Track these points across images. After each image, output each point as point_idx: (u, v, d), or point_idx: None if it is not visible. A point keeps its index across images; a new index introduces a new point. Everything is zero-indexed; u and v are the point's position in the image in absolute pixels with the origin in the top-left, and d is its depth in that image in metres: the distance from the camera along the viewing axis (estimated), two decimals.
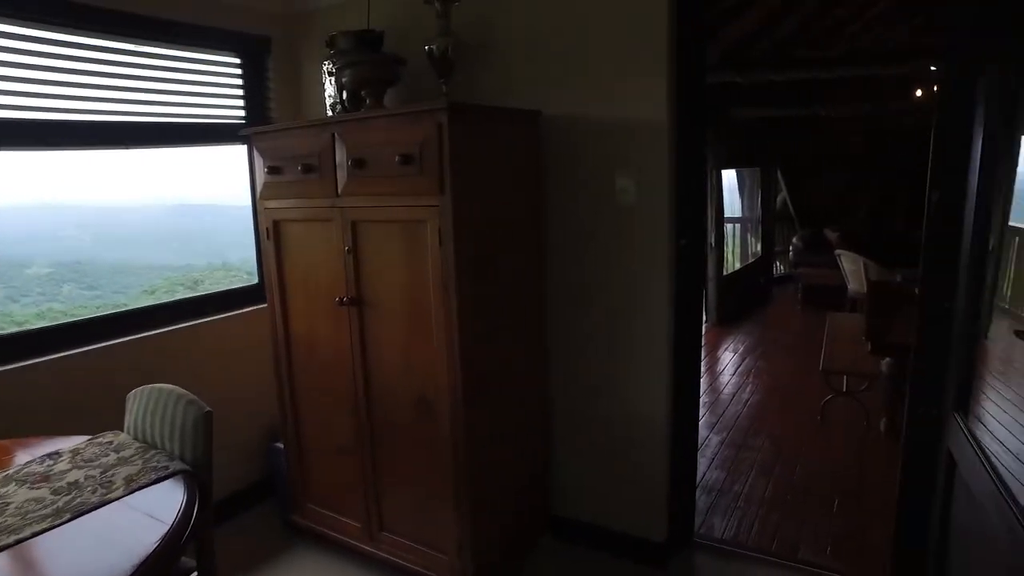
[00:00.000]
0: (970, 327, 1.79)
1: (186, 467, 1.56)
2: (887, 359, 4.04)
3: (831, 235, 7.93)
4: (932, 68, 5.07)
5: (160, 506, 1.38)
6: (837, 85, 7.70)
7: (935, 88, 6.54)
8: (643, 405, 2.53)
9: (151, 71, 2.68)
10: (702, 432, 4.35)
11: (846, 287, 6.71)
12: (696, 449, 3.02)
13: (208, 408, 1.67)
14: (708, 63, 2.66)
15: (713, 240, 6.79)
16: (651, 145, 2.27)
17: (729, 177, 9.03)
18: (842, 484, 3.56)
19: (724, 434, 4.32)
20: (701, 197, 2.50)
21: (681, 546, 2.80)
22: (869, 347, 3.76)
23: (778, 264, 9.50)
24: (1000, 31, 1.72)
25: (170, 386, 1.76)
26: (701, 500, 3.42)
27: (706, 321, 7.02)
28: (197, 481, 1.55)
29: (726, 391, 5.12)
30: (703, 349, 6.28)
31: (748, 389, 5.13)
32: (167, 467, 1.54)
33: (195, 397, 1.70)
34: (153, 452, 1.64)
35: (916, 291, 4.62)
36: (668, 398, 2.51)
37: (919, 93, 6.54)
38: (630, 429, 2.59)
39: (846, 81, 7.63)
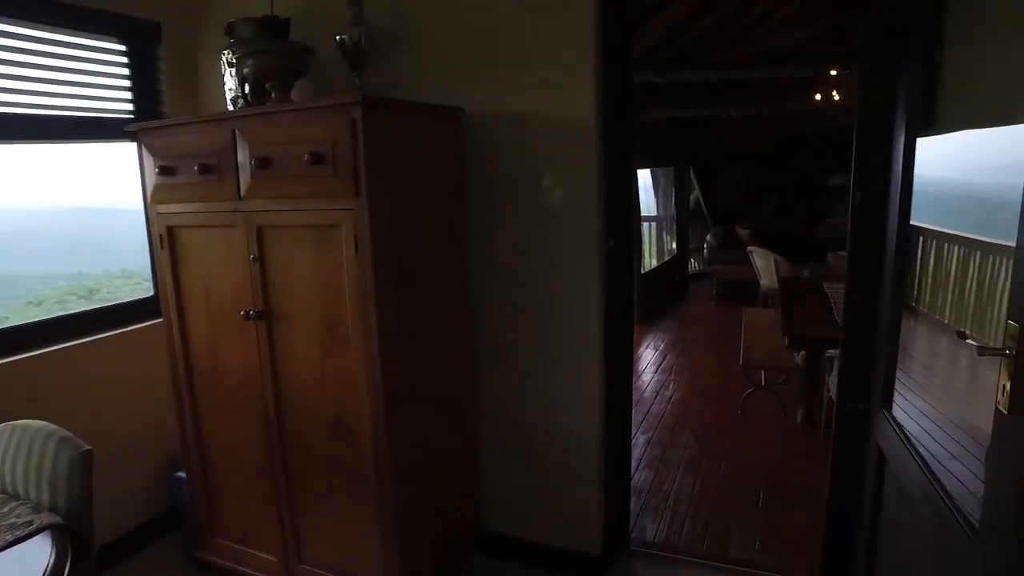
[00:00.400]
0: (894, 326, 1.80)
1: (56, 520, 1.33)
2: (802, 352, 4.17)
3: (742, 233, 8.22)
4: (832, 72, 5.30)
5: (21, 573, 1.15)
6: (744, 87, 7.99)
7: (833, 93, 6.94)
8: (575, 413, 2.45)
9: (21, 55, 2.35)
10: None
11: (759, 283, 6.96)
12: (630, 457, 2.98)
13: (87, 447, 1.44)
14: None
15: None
16: (578, 143, 2.18)
17: (644, 177, 9.22)
18: (765, 477, 3.63)
19: (651, 433, 4.33)
20: (629, 196, 2.43)
21: (617, 555, 2.74)
22: (786, 341, 3.85)
23: (693, 261, 9.78)
24: (913, 31, 1.74)
25: (39, 423, 1.50)
26: (632, 502, 3.40)
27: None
28: (71, 533, 1.31)
29: (650, 389, 5.16)
30: None
31: (671, 386, 5.19)
32: (30, 522, 1.30)
33: (69, 435, 1.46)
34: (14, 505, 1.38)
35: (823, 285, 4.81)
36: (601, 405, 2.43)
37: (818, 97, 6.86)
38: (562, 438, 2.50)
39: (752, 83, 7.94)
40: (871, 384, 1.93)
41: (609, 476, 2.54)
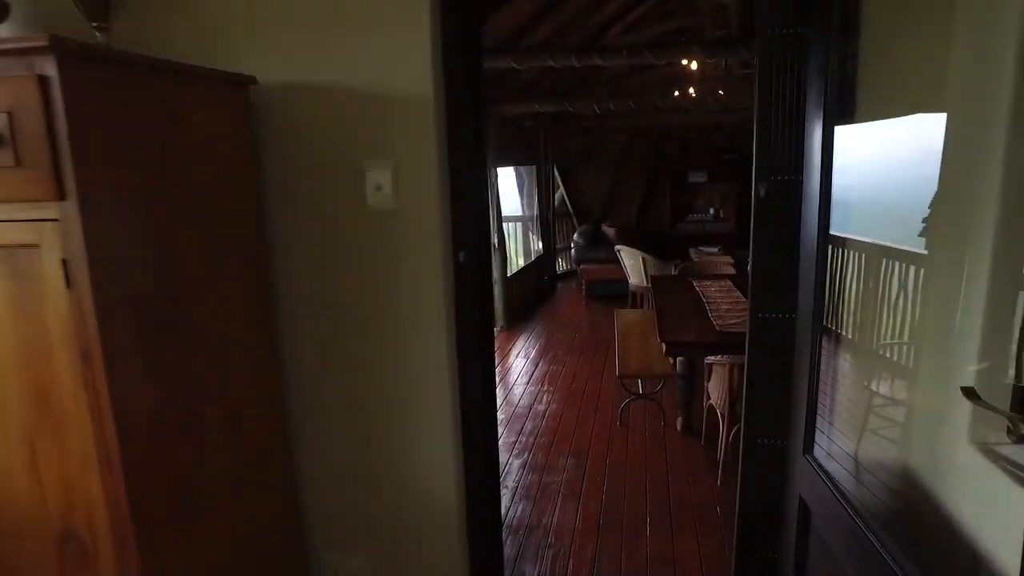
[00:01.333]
0: (813, 349, 1.44)
1: None
2: (680, 358, 3.93)
3: (608, 230, 8.10)
4: (693, 65, 5.17)
5: None
6: (604, 82, 7.87)
7: (691, 91, 6.95)
8: (426, 478, 1.89)
9: None
10: (501, 456, 3.90)
11: (628, 281, 6.82)
12: (500, 522, 2.49)
13: None
14: (485, 46, 2.15)
15: (496, 241, 6.45)
16: (413, 126, 1.64)
17: (508, 175, 8.88)
18: (651, 497, 3.33)
19: (525, 456, 3.90)
20: (482, 195, 1.89)
21: None
22: (664, 348, 3.57)
23: (560, 260, 9.60)
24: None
25: None
26: (509, 544, 2.95)
27: (494, 327, 6.69)
28: None
29: (522, 403, 4.75)
30: (496, 353, 5.91)
31: (544, 399, 4.81)
32: None
33: None
34: None
35: (694, 284, 4.63)
36: (458, 464, 1.90)
37: (676, 94, 6.83)
38: (412, 508, 1.94)
39: (615, 79, 7.83)
40: (786, 419, 1.57)
41: (475, 550, 2.02)
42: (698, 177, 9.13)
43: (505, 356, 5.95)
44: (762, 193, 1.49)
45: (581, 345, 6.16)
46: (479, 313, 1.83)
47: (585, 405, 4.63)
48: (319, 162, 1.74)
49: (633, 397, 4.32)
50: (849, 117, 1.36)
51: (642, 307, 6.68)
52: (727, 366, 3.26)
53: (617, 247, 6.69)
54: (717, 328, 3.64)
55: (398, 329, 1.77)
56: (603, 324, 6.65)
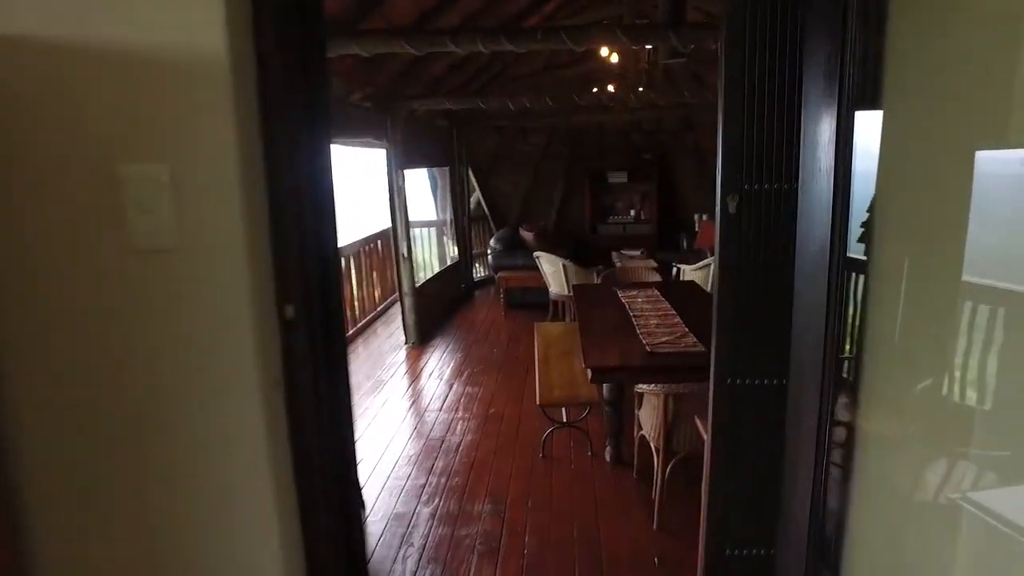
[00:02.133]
0: (823, 430, 0.98)
1: None
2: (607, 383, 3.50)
3: (526, 234, 7.65)
4: (614, 58, 4.78)
5: None
6: (519, 79, 7.42)
7: (610, 87, 6.61)
8: None
9: None
10: (409, 504, 3.36)
11: (547, 289, 6.39)
12: None
13: None
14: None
15: (405, 250, 5.87)
16: (202, 105, 1.01)
17: (420, 177, 8.30)
18: (579, 547, 2.88)
19: (436, 503, 3.36)
20: (326, 209, 1.23)
21: None
22: (589, 376, 3.12)
23: (479, 266, 9.09)
24: None
25: None
26: None
27: (405, 343, 6.09)
28: None
29: (434, 434, 4.21)
30: (405, 378, 5.33)
31: (459, 428, 4.28)
32: None
33: None
34: None
35: (618, 294, 4.22)
36: None
37: (595, 89, 6.47)
38: None
39: (528, 75, 7.39)
40: (770, 520, 1.11)
41: None
42: (618, 178, 8.84)
43: (416, 377, 5.38)
44: (732, 208, 1.02)
45: (500, 361, 5.67)
46: (326, 409, 1.20)
47: (504, 434, 4.14)
48: (41, 167, 1.06)
49: (556, 426, 3.86)
50: (872, 100, 0.91)
51: (564, 318, 6.26)
52: (661, 396, 2.84)
53: (536, 254, 6.25)
54: (647, 349, 3.23)
55: (193, 423, 1.12)
56: (524, 336, 6.19)
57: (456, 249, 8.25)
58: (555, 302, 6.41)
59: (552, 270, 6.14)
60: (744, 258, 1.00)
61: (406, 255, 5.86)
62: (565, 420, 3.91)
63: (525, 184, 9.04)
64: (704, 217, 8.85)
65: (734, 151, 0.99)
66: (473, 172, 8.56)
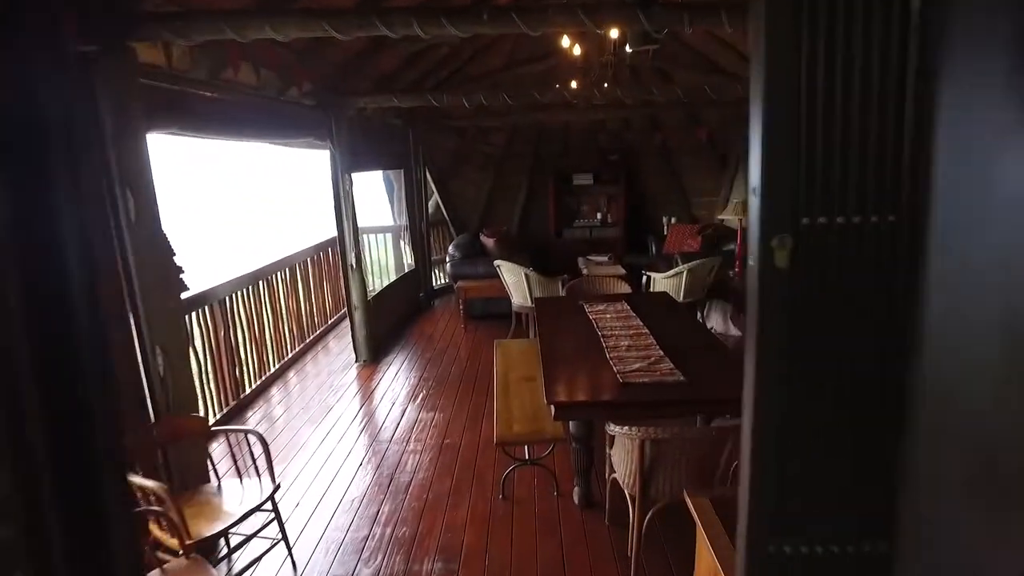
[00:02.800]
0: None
1: None
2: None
3: (488, 240, 7.22)
4: (577, 52, 4.37)
5: None
6: (477, 77, 6.98)
7: (573, 84, 6.23)
8: None
9: None
10: (347, 563, 2.90)
11: (510, 300, 5.96)
12: None
13: None
14: None
15: (353, 260, 5.37)
16: None
17: (375, 180, 7.79)
18: None
19: (379, 560, 2.91)
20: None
21: None
22: (553, 413, 2.70)
23: (438, 273, 8.62)
24: None
25: None
26: None
27: (356, 361, 5.60)
28: None
29: (384, 470, 3.74)
30: (355, 401, 4.84)
31: (410, 463, 3.82)
32: None
33: None
34: None
35: (585, 308, 3.81)
36: None
37: (557, 86, 6.05)
38: None
39: (487, 73, 6.96)
40: None
41: None
42: (584, 179, 8.46)
43: (367, 399, 4.89)
44: (781, 260, 0.59)
45: (459, 379, 5.21)
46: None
47: (460, 470, 3.69)
48: None
49: (518, 463, 3.43)
50: None
51: (529, 332, 5.84)
52: (637, 441, 2.43)
53: (497, 263, 5.81)
54: (619, 379, 2.82)
55: None
56: (484, 350, 5.75)
57: (413, 256, 7.76)
58: (518, 314, 5.99)
59: (514, 280, 5.71)
60: (805, 345, 0.58)
61: (355, 265, 5.37)
62: (528, 457, 3.49)
63: (486, 187, 8.60)
64: (672, 220, 8.54)
65: (780, 163, 0.57)
66: (431, 174, 8.08)
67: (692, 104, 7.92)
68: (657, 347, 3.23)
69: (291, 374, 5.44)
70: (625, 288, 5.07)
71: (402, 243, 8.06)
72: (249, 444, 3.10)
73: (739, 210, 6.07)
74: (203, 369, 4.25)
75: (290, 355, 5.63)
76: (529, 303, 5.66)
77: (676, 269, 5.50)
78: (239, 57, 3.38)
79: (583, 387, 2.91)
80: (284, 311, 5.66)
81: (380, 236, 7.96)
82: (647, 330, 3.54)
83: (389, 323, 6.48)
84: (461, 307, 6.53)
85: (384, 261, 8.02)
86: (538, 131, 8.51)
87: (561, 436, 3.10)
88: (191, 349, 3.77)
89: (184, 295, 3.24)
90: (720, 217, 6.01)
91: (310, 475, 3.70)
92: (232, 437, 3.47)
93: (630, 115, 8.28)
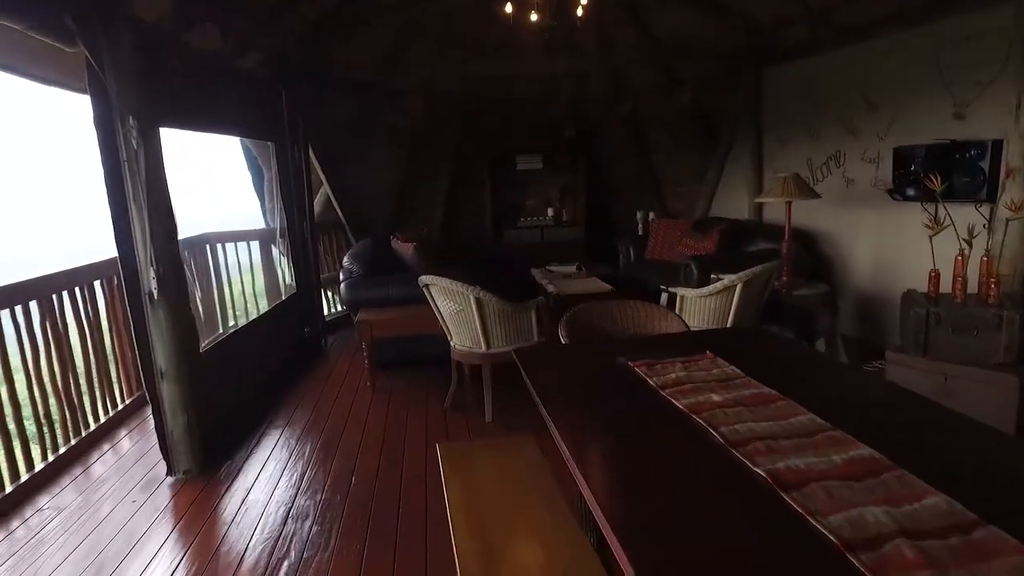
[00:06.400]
0: None
1: None
2: None
3: (403, 248, 4.83)
4: None
5: None
6: (383, 10, 4.65)
7: (533, 16, 3.91)
8: None
9: None
10: None
11: (447, 340, 3.60)
12: None
13: None
14: None
15: (155, 287, 2.86)
16: None
17: (229, 154, 5.24)
18: None
19: None
20: None
21: None
22: None
23: (332, 298, 6.12)
24: None
25: None
26: None
27: (170, 475, 3.05)
28: None
29: None
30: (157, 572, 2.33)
31: None
32: None
33: None
34: None
35: (645, 372, 1.55)
36: None
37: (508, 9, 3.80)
38: None
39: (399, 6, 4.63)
40: None
41: None
42: (530, 163, 6.25)
43: (188, 570, 2.37)
44: None
45: (365, 506, 2.79)
46: None
47: None
48: None
49: None
50: None
51: (485, 398, 3.48)
52: None
53: (424, 280, 3.43)
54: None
55: None
56: (413, 437, 3.39)
57: (294, 273, 5.25)
58: (459, 363, 3.65)
59: (454, 309, 3.37)
60: None
61: (155, 291, 2.86)
62: None
63: (397, 174, 6.19)
64: (651, 215, 6.46)
65: None
66: (316, 155, 5.59)
67: (673, 56, 5.90)
68: (888, 462, 1.02)
69: (29, 513, 2.81)
70: (675, 324, 2.83)
71: (277, 254, 5.52)
72: None
73: (789, 188, 4.01)
74: None
75: (35, 471, 3.01)
76: (483, 348, 3.34)
77: (723, 282, 3.34)
78: None
79: None
80: (27, 390, 3.05)
81: (240, 246, 5.38)
82: (808, 412, 1.35)
83: (245, 389, 3.95)
84: (365, 355, 4.07)
85: (249, 283, 5.44)
86: (468, 97, 6.18)
87: None
88: None
89: None
90: (760, 200, 4.00)
91: None
92: None
93: (591, 75, 6.16)
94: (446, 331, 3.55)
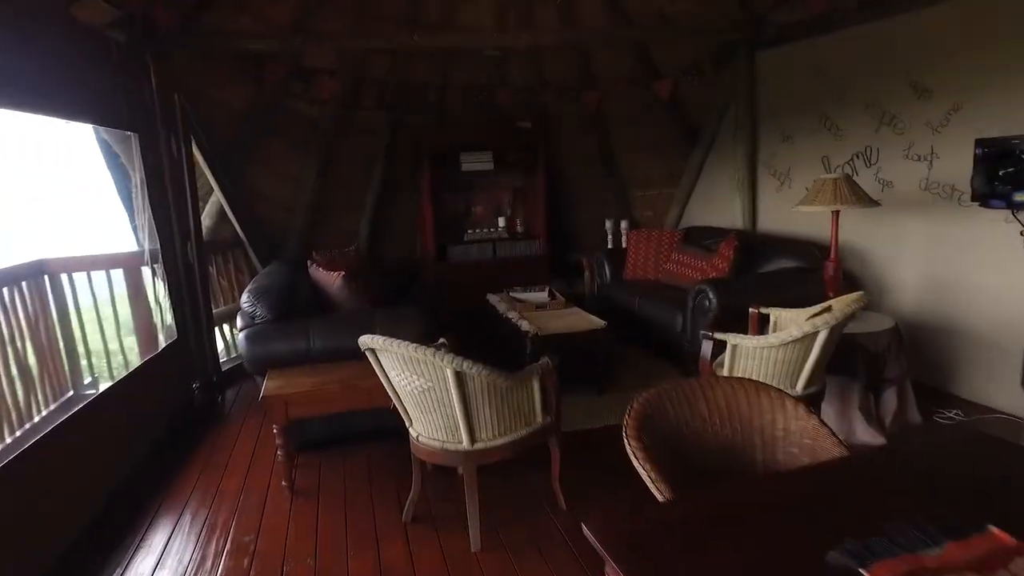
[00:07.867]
0: None
1: None
2: None
3: (325, 277, 3.61)
4: None
5: None
6: None
7: None
8: None
9: None
10: None
11: (398, 414, 2.43)
12: None
13: None
14: None
15: None
16: None
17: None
18: None
19: None
20: None
21: None
22: None
23: (230, 338, 4.76)
24: None
25: None
26: None
27: None
28: None
29: None
30: None
31: None
32: None
33: None
34: None
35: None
36: None
37: None
38: None
39: None
40: None
41: None
42: (478, 162, 5.11)
43: None
44: None
45: None
46: None
47: None
48: None
49: None
50: None
51: (468, 521, 2.33)
52: None
53: (367, 343, 2.23)
54: None
55: None
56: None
57: (173, 313, 3.89)
58: (428, 467, 2.49)
59: (420, 387, 2.20)
60: None
61: None
62: None
63: (310, 178, 4.89)
64: (623, 224, 5.50)
65: None
66: (202, 153, 4.24)
67: (649, 42, 5.00)
68: None
69: None
70: (832, 443, 1.80)
71: (158, 286, 4.12)
72: None
73: (842, 194, 3.11)
74: None
75: None
76: (465, 443, 2.20)
77: (806, 326, 2.36)
78: None
79: None
80: None
81: (97, 276, 3.95)
82: None
83: (96, 501, 2.63)
84: (279, 441, 2.80)
85: (110, 327, 4.03)
86: (400, 82, 4.97)
87: None
88: None
89: None
90: (802, 208, 3.12)
91: None
92: None
93: (548, 61, 5.13)
94: (401, 413, 2.38)
